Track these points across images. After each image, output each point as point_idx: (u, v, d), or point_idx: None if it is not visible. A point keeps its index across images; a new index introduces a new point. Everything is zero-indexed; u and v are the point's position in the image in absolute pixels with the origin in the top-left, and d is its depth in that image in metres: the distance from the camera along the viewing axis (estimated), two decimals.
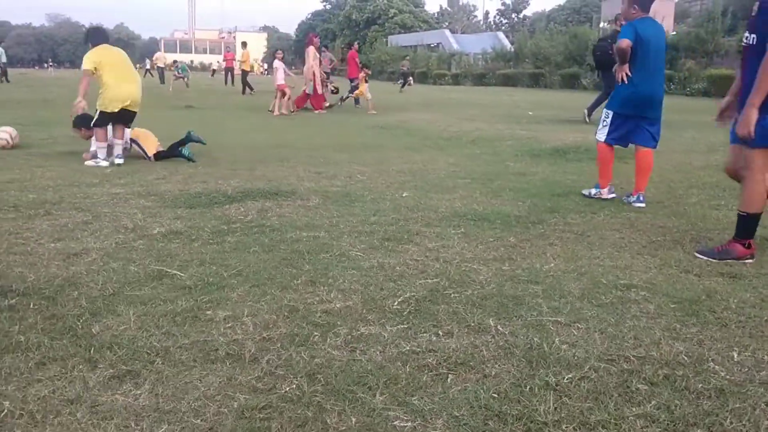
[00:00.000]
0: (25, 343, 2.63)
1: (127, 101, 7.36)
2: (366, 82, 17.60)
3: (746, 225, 3.97)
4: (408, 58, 43.33)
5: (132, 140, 7.88)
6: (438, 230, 4.57)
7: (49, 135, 10.09)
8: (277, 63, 16.58)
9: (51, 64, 69.62)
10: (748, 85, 3.74)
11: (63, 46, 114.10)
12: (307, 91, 16.95)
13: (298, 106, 16.92)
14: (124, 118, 7.51)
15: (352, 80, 19.05)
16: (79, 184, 6.15)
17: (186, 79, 30.13)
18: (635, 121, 5.43)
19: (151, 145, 7.95)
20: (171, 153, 7.79)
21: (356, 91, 17.92)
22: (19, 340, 2.66)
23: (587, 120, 12.93)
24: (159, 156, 7.82)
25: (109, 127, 7.49)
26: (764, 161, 3.83)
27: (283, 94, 16.05)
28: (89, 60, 7.27)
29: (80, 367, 2.45)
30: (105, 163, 7.32)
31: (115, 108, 7.33)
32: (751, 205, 3.92)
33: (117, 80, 7.33)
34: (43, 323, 2.85)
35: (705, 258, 3.91)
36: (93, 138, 7.54)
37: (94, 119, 7.39)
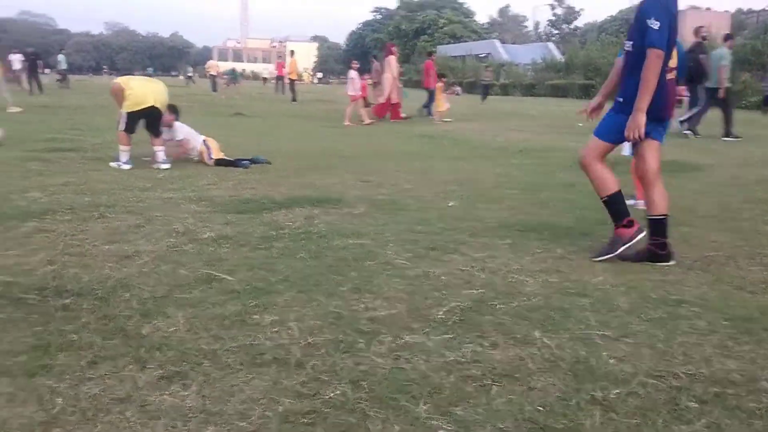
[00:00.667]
0: (78, 342, 2.71)
1: (150, 98, 7.70)
2: (443, 92, 17.60)
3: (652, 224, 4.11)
4: (489, 68, 39.37)
5: (203, 141, 8.31)
6: (484, 240, 4.54)
7: (104, 140, 10.35)
8: (352, 73, 16.38)
9: (105, 70, 71.71)
10: (629, 90, 3.91)
11: (120, 54, 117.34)
12: (392, 101, 16.92)
13: (379, 116, 16.88)
14: (151, 120, 7.79)
15: (428, 90, 18.77)
16: (133, 188, 6.30)
17: (236, 84, 30.88)
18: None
19: (216, 151, 8.26)
20: (232, 163, 8.01)
21: (434, 103, 17.73)
22: (72, 339, 2.73)
23: (686, 133, 12.58)
24: (219, 162, 8.05)
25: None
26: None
27: (366, 104, 16.13)
28: (117, 78, 8.22)
29: (130, 366, 2.51)
30: (127, 167, 7.59)
31: (142, 106, 7.64)
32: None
33: (142, 83, 7.99)
34: (96, 323, 2.92)
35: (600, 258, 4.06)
36: (159, 143, 7.88)
37: (123, 123, 7.67)
